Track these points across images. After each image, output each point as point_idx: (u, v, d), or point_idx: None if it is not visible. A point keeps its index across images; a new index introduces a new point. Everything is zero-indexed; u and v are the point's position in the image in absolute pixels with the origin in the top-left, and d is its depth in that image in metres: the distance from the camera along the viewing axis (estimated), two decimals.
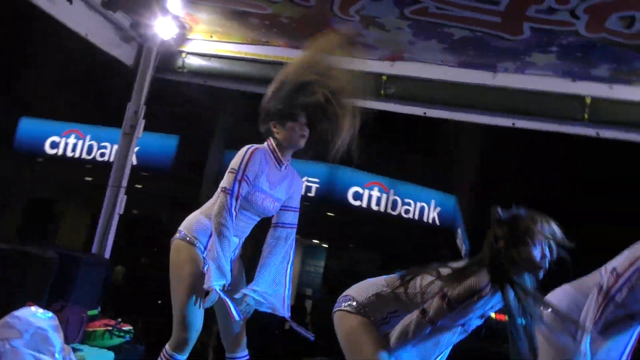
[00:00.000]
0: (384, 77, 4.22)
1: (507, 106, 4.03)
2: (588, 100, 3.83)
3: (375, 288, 2.51)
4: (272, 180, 2.77)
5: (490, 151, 15.49)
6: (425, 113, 4.25)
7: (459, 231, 12.05)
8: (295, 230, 2.89)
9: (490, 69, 4.01)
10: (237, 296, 2.67)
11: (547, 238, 2.32)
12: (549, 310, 2.56)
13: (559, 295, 2.82)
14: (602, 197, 15.86)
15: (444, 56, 4.01)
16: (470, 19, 3.45)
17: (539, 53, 3.67)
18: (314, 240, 13.63)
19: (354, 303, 2.49)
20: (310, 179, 10.03)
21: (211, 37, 4.55)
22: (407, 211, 10.47)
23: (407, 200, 10.50)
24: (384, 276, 2.58)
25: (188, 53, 4.64)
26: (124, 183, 4.46)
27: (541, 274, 2.36)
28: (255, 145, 2.77)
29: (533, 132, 4.10)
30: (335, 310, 2.56)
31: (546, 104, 3.95)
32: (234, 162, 2.70)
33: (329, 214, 11.03)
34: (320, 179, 10.14)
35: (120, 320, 3.60)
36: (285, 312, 2.75)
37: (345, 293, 2.58)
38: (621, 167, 13.68)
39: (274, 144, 2.80)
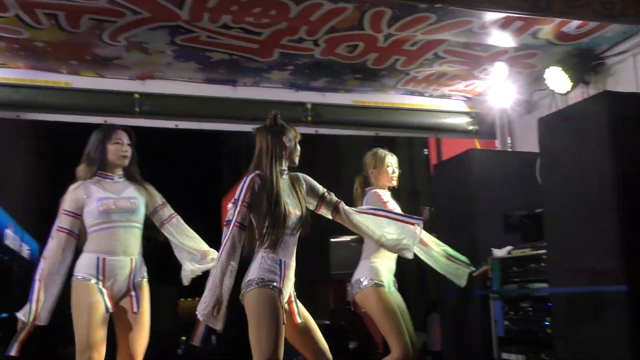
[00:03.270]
0: (137, 95, 4.49)
1: (246, 115, 4.77)
2: (309, 106, 4.85)
3: None
4: None
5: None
6: (177, 125, 4.69)
7: None
8: None
9: (231, 84, 4.68)
10: None
11: None
12: None
13: None
14: None
15: (194, 74, 4.51)
16: (234, 46, 4.06)
17: (278, 71, 4.50)
18: None
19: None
20: None
21: None
22: None
23: None
24: None
25: None
26: None
27: None
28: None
29: None
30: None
31: (277, 110, 4.81)
32: None
33: None
34: None
35: None
36: None
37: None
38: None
39: None
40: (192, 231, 3.24)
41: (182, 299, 26.30)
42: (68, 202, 3.03)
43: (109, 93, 4.42)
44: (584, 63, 4.33)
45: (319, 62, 4.37)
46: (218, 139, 16.96)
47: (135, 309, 2.99)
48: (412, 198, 13.32)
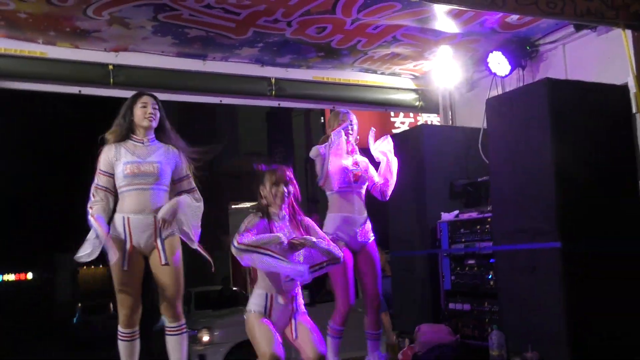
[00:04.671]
0: (111, 67, 4.66)
1: (215, 88, 5.04)
2: (273, 80, 5.17)
3: None
4: None
5: None
6: None
7: None
8: None
9: (201, 58, 4.92)
10: None
11: None
12: None
13: None
14: None
15: (168, 48, 4.72)
16: (212, 24, 4.31)
17: (248, 47, 4.79)
18: None
19: None
20: None
21: None
22: None
23: None
24: None
25: None
26: None
27: None
28: None
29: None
30: None
31: (244, 83, 5.13)
32: None
33: None
34: None
35: None
36: None
37: None
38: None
39: None
40: (198, 213, 3.52)
41: (81, 268, 25.96)
42: (102, 162, 3.38)
43: (84, 64, 4.56)
44: (521, 49, 4.89)
45: (287, 40, 4.69)
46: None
47: (163, 262, 3.32)
48: (308, 165, 13.85)
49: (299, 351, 3.26)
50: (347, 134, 4.03)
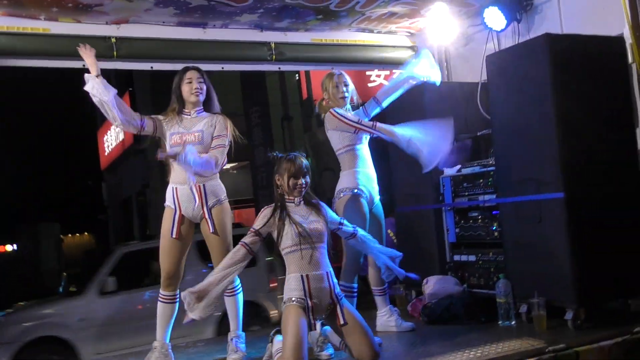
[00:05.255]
0: (113, 40, 4.67)
1: (216, 55, 5.07)
2: (273, 45, 5.21)
3: None
4: None
5: None
6: (152, 67, 4.93)
7: None
8: None
9: (202, 26, 4.94)
10: None
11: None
12: None
13: None
14: None
15: (168, 18, 4.73)
16: None
17: (248, 14, 4.81)
18: None
19: None
20: None
21: None
22: None
23: None
24: None
25: None
26: None
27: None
28: None
29: None
30: None
31: (244, 50, 5.16)
32: None
33: None
34: None
35: None
36: None
37: None
38: None
39: None
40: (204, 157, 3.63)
41: (65, 236, 25.96)
42: (162, 133, 3.71)
43: (87, 38, 4.52)
44: (517, 3, 4.96)
45: (286, 5, 4.72)
46: None
47: (211, 230, 3.49)
48: (285, 124, 13.93)
49: (346, 339, 3.29)
50: (344, 97, 4.19)
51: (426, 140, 4.07)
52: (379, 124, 4.16)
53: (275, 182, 3.35)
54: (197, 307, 3.13)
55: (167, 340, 3.77)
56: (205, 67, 4.95)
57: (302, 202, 3.33)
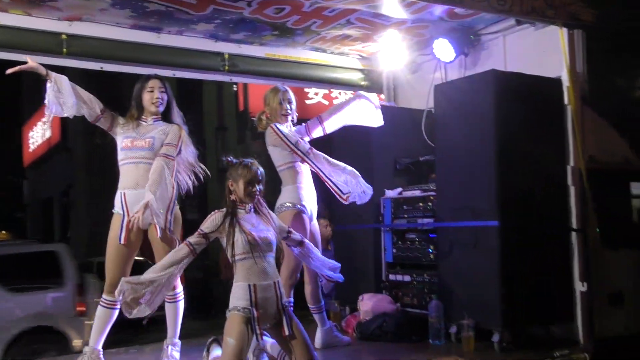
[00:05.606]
0: (64, 36, 4.60)
1: (168, 61, 5.06)
2: (227, 56, 5.25)
3: None
4: None
5: None
6: (102, 68, 4.87)
7: None
8: None
9: (156, 31, 4.93)
10: None
11: None
12: None
13: None
14: None
15: (123, 20, 4.69)
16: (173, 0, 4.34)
17: (204, 23, 4.83)
18: None
19: None
20: None
21: None
22: None
23: None
24: None
25: None
26: None
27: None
28: None
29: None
30: None
31: (198, 58, 5.17)
32: None
33: None
34: None
35: None
36: None
37: None
38: None
39: None
40: (156, 175, 3.62)
41: None
42: (114, 132, 3.75)
43: (37, 32, 4.47)
44: (465, 37, 5.19)
45: (244, 18, 4.77)
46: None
47: (159, 234, 3.48)
48: (218, 134, 13.92)
49: (284, 348, 3.32)
50: (287, 115, 4.21)
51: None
52: (313, 154, 4.14)
53: (228, 188, 3.33)
54: (134, 304, 3.08)
55: (99, 347, 3.71)
56: (156, 72, 4.96)
57: (253, 210, 3.34)
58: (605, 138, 4.69)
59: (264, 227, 3.30)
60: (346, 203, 4.13)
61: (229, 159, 3.34)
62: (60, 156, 18.46)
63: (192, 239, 3.22)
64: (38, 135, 20.17)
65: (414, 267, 4.89)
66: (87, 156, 16.85)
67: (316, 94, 9.35)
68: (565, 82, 4.40)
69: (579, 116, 4.36)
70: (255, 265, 3.19)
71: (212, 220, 3.24)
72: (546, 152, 4.35)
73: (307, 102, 9.33)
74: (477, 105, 4.24)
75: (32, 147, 21.08)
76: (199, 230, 3.24)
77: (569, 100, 4.40)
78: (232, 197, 3.29)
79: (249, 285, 3.18)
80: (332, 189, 4.11)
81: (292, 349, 3.27)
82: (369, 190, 4.21)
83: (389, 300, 4.90)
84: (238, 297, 3.18)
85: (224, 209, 3.28)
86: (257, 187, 3.29)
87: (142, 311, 3.10)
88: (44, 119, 18.86)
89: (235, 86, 12.51)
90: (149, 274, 3.13)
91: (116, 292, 3.08)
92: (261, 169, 3.32)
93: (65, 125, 17.87)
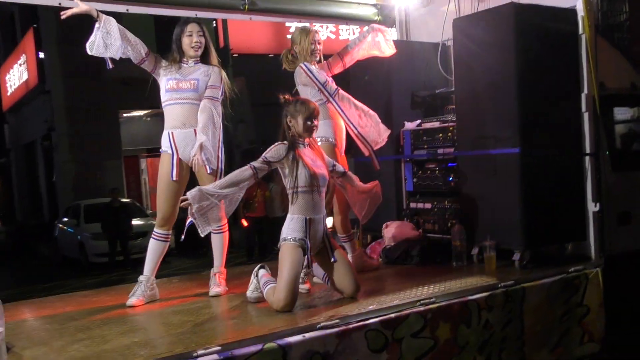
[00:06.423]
0: None
1: (191, 1, 5.11)
2: None
3: None
4: None
5: None
6: (127, 10, 4.92)
7: None
8: None
9: None
10: None
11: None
12: None
13: None
14: None
15: None
16: None
17: None
18: None
19: None
20: None
21: None
22: None
23: None
24: None
25: None
26: None
27: None
28: None
29: None
30: None
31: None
32: None
33: None
34: None
35: None
36: None
37: None
38: None
39: None
40: (205, 117, 3.83)
41: None
42: (158, 74, 3.92)
43: None
44: None
45: None
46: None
47: (209, 170, 3.70)
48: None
49: (330, 276, 3.60)
50: (317, 55, 4.39)
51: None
52: (339, 95, 4.36)
53: (287, 124, 3.52)
54: (203, 216, 3.33)
55: (153, 275, 3.99)
56: (179, 12, 5.05)
57: (308, 146, 3.55)
58: (614, 65, 4.89)
59: (320, 163, 3.53)
60: (367, 155, 4.49)
61: (286, 96, 3.52)
62: (40, 99, 18.24)
63: (256, 163, 3.42)
64: (15, 77, 19.82)
65: (434, 194, 5.16)
66: (67, 98, 16.80)
67: (322, 26, 9.31)
68: (580, 11, 4.55)
69: (592, 45, 4.53)
70: (312, 199, 3.42)
71: (275, 150, 3.44)
72: (562, 81, 4.55)
73: (289, 36, 9.32)
74: (497, 38, 4.40)
75: (10, 90, 20.72)
76: (262, 157, 3.43)
77: (583, 29, 4.55)
78: (291, 132, 3.49)
79: (305, 219, 3.43)
80: (359, 139, 4.44)
81: (335, 272, 3.56)
82: (385, 133, 4.56)
83: (412, 226, 5.19)
84: (294, 229, 3.43)
85: (286, 142, 3.48)
86: (316, 122, 3.49)
87: (202, 225, 3.38)
88: (20, 62, 18.54)
89: (214, 22, 12.45)
90: (212, 187, 3.38)
91: (188, 195, 3.34)
92: (317, 105, 3.52)
93: (42, 66, 17.63)
